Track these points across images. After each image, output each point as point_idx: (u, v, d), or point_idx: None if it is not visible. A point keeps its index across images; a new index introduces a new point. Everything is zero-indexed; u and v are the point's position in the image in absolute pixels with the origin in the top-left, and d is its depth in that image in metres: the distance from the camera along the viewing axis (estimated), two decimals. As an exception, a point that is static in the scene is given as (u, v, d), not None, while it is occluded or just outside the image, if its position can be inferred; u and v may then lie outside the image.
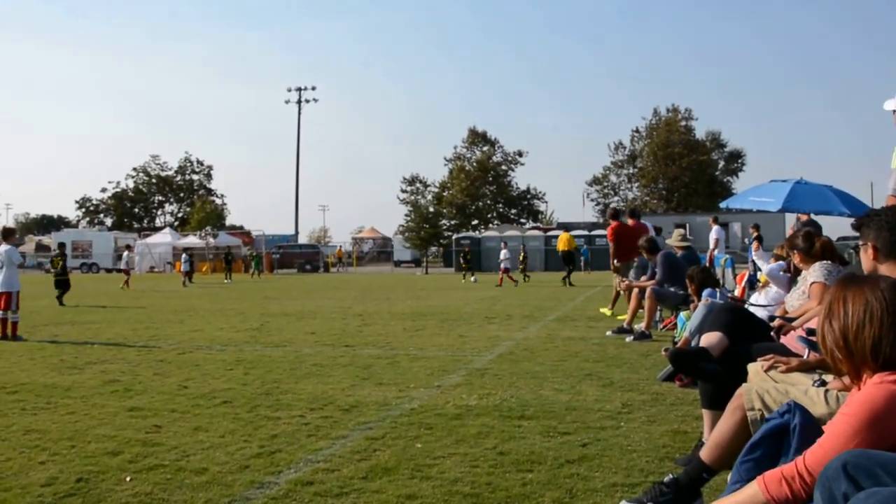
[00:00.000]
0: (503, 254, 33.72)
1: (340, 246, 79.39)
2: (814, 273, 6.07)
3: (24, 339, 13.00)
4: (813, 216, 14.71)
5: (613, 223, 16.36)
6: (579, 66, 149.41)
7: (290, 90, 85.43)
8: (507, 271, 33.26)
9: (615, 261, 16.12)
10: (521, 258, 40.13)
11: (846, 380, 3.05)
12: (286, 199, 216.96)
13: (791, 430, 3.08)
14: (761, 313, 7.36)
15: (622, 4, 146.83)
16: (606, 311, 16.23)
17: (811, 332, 4.56)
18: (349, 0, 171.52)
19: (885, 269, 4.07)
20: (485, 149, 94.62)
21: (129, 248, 38.31)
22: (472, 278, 37.21)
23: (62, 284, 23.45)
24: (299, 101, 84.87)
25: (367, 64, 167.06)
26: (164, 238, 67.98)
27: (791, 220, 16.85)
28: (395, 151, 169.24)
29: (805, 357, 4.30)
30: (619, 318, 16.00)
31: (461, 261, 41.61)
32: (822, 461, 2.65)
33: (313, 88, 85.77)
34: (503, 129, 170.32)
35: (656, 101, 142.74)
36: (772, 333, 5.45)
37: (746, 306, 7.66)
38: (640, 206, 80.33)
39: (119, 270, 33.41)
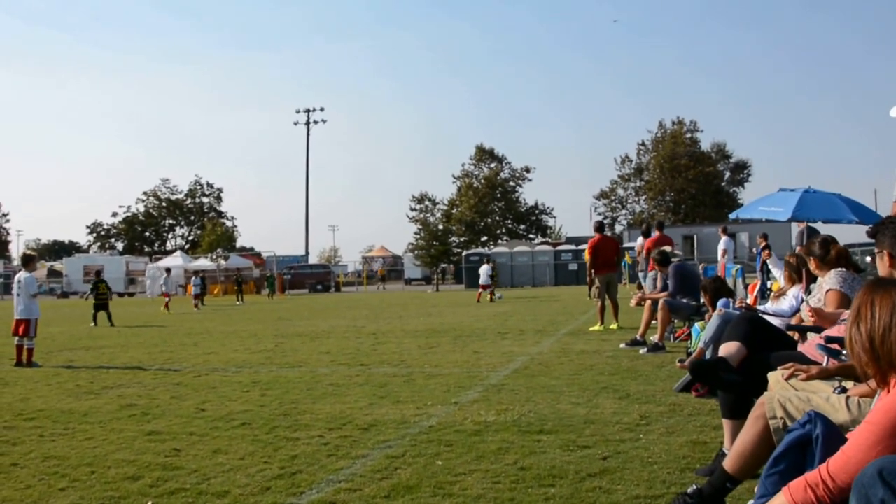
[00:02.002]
0: (484, 269, 33.80)
1: (382, 266, 79.33)
2: (829, 281, 6.06)
3: (39, 365, 12.99)
4: (821, 223, 14.71)
5: (596, 236, 16.63)
6: (583, 81, 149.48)
7: (298, 111, 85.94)
8: (486, 287, 33.50)
9: (592, 272, 16.37)
10: (490, 275, 40.36)
11: (871, 383, 3.05)
12: (296, 219, 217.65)
13: (814, 441, 3.09)
14: (776, 323, 7.35)
15: (626, 19, 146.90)
16: (597, 327, 16.32)
17: (830, 339, 4.56)
18: (355, 21, 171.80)
19: None
20: (492, 165, 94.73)
21: (168, 271, 38.40)
22: (498, 295, 36.08)
23: (104, 307, 24.56)
24: (308, 123, 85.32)
25: (373, 84, 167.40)
26: (175, 261, 68.05)
27: (794, 229, 16.94)
28: (404, 170, 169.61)
29: (824, 365, 4.30)
30: (592, 328, 16.15)
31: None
32: (846, 468, 2.66)
33: (321, 109, 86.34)
34: (510, 146, 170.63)
35: (661, 114, 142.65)
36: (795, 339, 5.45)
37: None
38: (653, 218, 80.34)
39: (167, 295, 33.64)
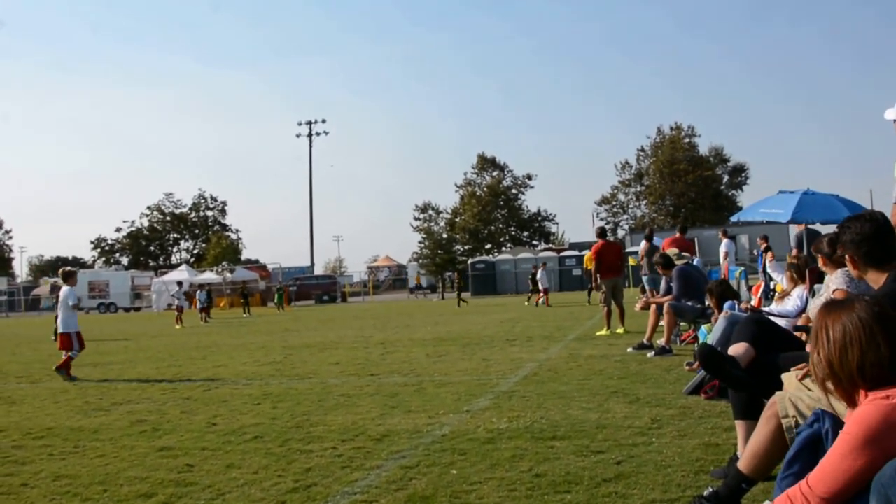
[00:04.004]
0: (541, 274, 34.25)
1: (419, 273, 78.41)
2: (836, 280, 6.08)
3: (75, 378, 13.08)
4: (820, 224, 14.75)
5: (600, 241, 16.75)
6: (583, 88, 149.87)
7: (300, 124, 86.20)
8: (547, 291, 33.97)
9: (598, 277, 16.45)
10: (457, 283, 40.47)
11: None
12: (300, 231, 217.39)
13: (823, 437, 3.10)
14: (782, 324, 7.36)
15: (621, 29, 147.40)
16: (604, 331, 16.32)
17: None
18: (356, 31, 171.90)
19: (871, 277, 4.15)
20: (494, 174, 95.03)
21: (179, 284, 38.44)
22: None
23: None
24: (310, 135, 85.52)
25: (375, 94, 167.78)
26: (181, 275, 68.19)
27: (793, 230, 17.06)
28: (407, 179, 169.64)
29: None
30: (599, 333, 16.15)
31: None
32: (824, 479, 2.71)
33: (323, 121, 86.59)
34: (512, 154, 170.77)
35: (659, 120, 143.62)
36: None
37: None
38: (650, 223, 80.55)
39: (180, 308, 33.69)
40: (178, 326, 31.19)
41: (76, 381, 12.92)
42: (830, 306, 2.97)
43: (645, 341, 12.76)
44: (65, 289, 14.15)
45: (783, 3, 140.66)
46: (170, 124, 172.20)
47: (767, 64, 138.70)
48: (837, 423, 3.08)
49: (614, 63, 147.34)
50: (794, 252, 12.26)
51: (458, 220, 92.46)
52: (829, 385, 2.89)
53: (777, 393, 3.83)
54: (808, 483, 2.76)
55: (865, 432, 2.66)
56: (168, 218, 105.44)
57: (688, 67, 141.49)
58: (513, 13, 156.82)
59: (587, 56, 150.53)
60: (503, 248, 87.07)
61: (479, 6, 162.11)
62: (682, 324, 13.47)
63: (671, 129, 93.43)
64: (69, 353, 13.44)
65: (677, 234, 17.41)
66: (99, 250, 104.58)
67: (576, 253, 60.74)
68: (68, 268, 15.13)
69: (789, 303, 8.24)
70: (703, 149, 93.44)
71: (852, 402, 2.85)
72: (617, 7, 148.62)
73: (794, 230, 16.37)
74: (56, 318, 25.25)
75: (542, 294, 34.20)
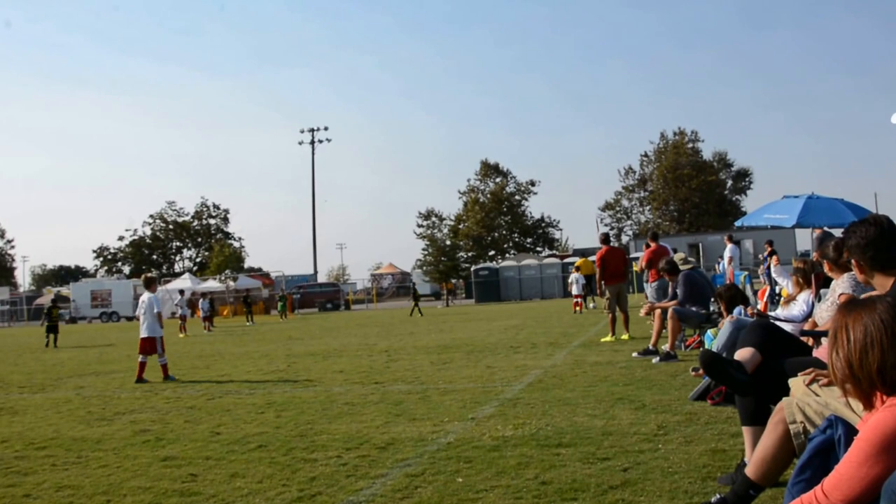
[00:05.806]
0: (574, 277, 33.86)
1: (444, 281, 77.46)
2: (842, 284, 6.07)
3: (174, 378, 13.72)
4: (826, 229, 14.75)
5: (604, 247, 16.73)
6: (584, 92, 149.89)
7: (302, 132, 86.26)
8: (582, 297, 33.35)
9: (602, 283, 16.43)
10: (413, 293, 40.64)
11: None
12: (304, 239, 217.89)
13: (836, 443, 3.08)
14: (788, 328, 7.33)
15: (622, 36, 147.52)
16: (608, 338, 16.29)
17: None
18: (360, 35, 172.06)
19: (877, 282, 4.13)
20: (498, 180, 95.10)
21: (181, 293, 38.49)
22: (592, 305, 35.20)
23: (55, 329, 27.92)
24: (312, 142, 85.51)
25: (377, 100, 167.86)
26: (183, 283, 68.23)
27: (801, 235, 17.11)
28: (410, 187, 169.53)
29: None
30: (604, 339, 16.12)
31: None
32: (839, 486, 2.68)
33: (325, 129, 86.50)
34: (515, 160, 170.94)
35: (662, 125, 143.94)
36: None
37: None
38: (655, 228, 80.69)
39: (183, 317, 33.70)
40: (181, 335, 31.15)
41: (175, 380, 13.66)
42: (851, 305, 2.91)
43: (650, 347, 12.74)
44: (149, 295, 14.58)
45: (785, 9, 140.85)
46: (171, 133, 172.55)
47: (770, 69, 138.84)
48: (850, 430, 3.06)
49: (617, 69, 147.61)
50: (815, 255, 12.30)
51: (461, 226, 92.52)
52: (848, 386, 2.85)
53: (784, 398, 3.81)
54: (822, 490, 2.73)
55: (882, 439, 2.62)
56: (170, 226, 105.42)
57: (690, 73, 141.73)
58: (514, 17, 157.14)
59: (590, 62, 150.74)
60: (507, 255, 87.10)
61: (481, 11, 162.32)
62: (687, 329, 13.46)
63: (675, 134, 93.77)
64: (161, 360, 13.96)
65: (654, 245, 17.31)
66: (101, 259, 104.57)
67: (580, 259, 60.75)
68: (150, 274, 15.75)
69: (795, 307, 8.21)
70: (707, 154, 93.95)
71: (870, 405, 2.81)
72: (618, 13, 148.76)
73: (813, 234, 16.36)
74: (47, 328, 26.62)
75: (576, 298, 33.23)
